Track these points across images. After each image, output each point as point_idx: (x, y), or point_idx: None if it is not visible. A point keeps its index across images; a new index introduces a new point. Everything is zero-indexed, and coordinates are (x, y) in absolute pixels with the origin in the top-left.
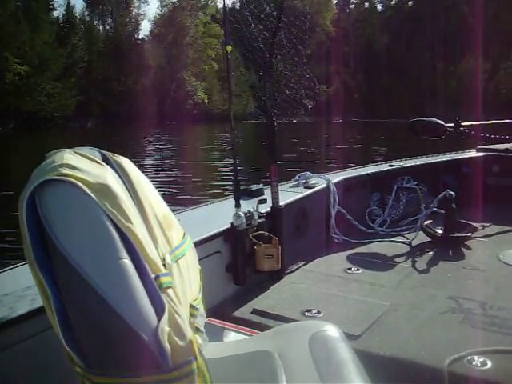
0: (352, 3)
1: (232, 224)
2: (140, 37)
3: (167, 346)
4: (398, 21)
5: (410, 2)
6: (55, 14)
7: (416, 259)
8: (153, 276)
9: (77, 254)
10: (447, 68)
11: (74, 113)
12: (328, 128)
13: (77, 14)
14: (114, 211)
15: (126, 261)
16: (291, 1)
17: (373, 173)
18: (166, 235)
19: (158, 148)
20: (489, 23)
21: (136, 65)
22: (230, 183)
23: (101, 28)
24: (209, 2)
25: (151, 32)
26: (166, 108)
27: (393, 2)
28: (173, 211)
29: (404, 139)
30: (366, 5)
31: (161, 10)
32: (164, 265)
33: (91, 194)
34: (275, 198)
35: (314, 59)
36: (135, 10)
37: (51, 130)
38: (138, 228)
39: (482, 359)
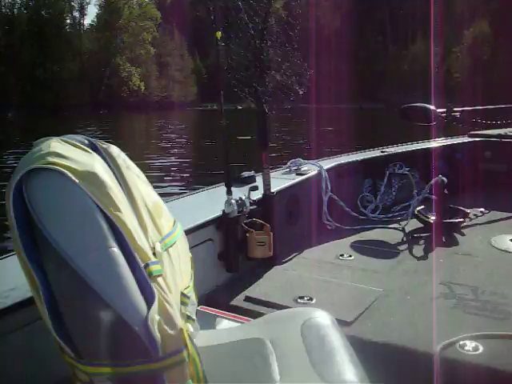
0: None
1: (224, 211)
2: (77, 21)
3: (157, 335)
4: (349, 3)
5: None
6: None
7: (408, 245)
8: (142, 265)
9: (65, 243)
10: (399, 52)
11: None
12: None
13: None
14: (102, 199)
15: (115, 249)
16: None
17: (365, 159)
18: (155, 223)
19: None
20: (441, 6)
21: (64, 50)
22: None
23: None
24: None
25: (98, 17)
26: (99, 96)
27: None
28: (163, 199)
29: (356, 124)
30: None
31: None
32: (154, 253)
33: (79, 183)
34: (267, 185)
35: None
36: None
37: None
38: (127, 216)
39: (473, 344)
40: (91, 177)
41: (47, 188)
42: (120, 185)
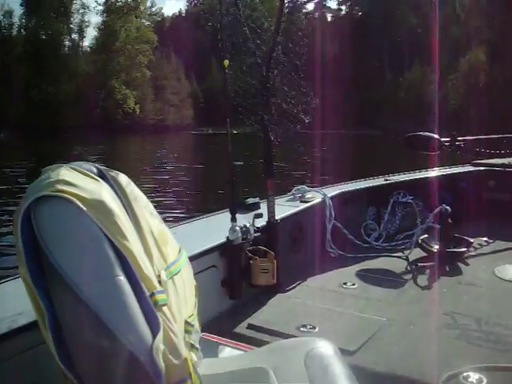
0: (302, 13)
1: (228, 238)
2: (76, 43)
3: (162, 365)
4: (347, 30)
5: (360, 13)
6: None
7: (412, 274)
8: (148, 293)
9: (71, 271)
10: (395, 78)
11: None
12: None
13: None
14: (109, 228)
15: (122, 278)
16: (288, 16)
17: (369, 187)
18: (161, 251)
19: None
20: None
21: (60, 71)
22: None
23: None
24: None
25: (96, 39)
26: (94, 118)
27: (343, 12)
28: (168, 225)
29: (356, 151)
30: (316, 14)
31: (103, 16)
32: (159, 281)
33: (86, 211)
34: (271, 213)
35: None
36: (79, 17)
37: None
38: (134, 245)
39: (477, 376)
40: (99, 205)
41: (55, 215)
42: (127, 213)
